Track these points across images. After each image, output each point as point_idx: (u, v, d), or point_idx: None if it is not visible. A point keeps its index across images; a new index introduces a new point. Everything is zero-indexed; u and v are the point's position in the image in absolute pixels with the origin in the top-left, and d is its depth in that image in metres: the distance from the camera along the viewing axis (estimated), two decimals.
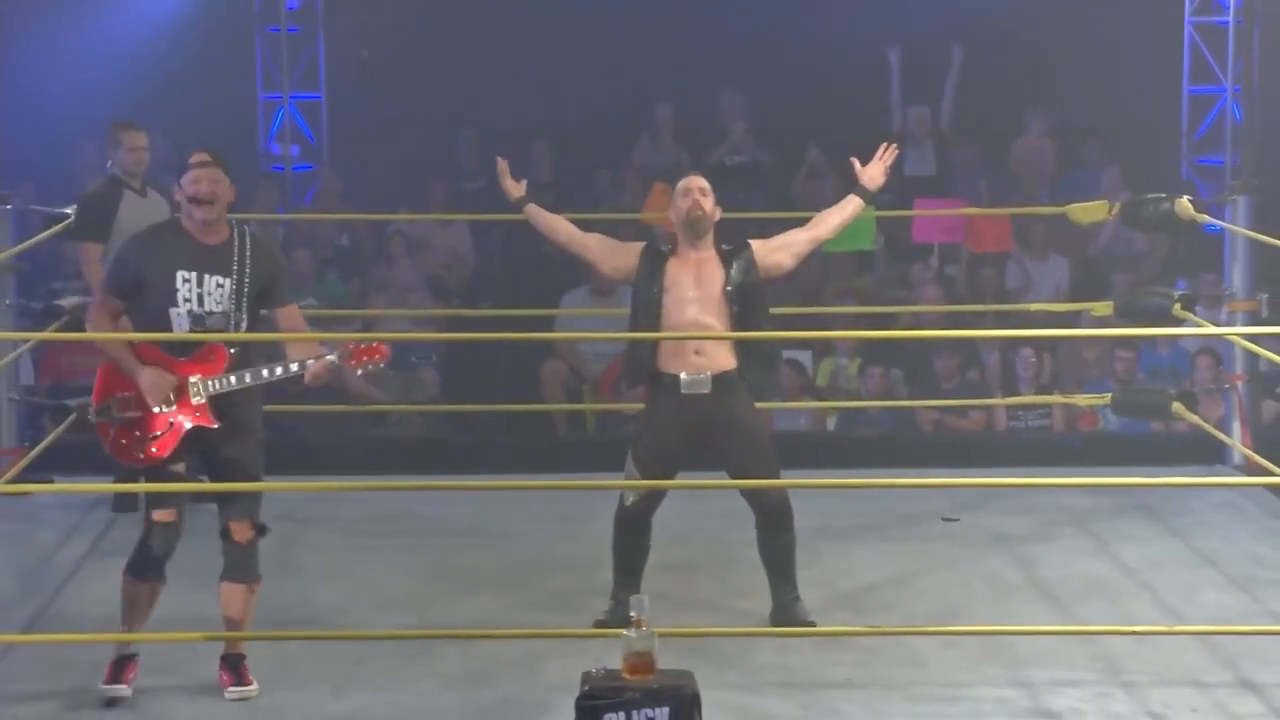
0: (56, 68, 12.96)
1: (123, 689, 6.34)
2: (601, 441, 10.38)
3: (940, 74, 13.14)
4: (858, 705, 6.33)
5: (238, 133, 13.43)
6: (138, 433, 6.25)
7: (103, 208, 8.71)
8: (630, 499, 7.08)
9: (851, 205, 7.33)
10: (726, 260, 7.09)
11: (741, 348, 7.03)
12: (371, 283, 12.30)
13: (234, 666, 6.43)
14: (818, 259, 12.10)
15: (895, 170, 12.47)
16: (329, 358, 6.29)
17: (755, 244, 7.17)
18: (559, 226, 7.36)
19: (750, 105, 13.29)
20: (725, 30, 13.64)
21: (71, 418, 9.21)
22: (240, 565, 6.39)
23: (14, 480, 8.46)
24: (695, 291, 7.02)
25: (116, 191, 8.75)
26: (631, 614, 5.55)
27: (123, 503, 8.72)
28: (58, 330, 9.00)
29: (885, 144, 7.44)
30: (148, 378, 6.21)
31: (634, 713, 5.41)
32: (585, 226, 7.46)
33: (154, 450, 6.25)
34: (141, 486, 8.55)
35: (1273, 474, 7.73)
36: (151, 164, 8.98)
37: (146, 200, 8.79)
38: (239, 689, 6.38)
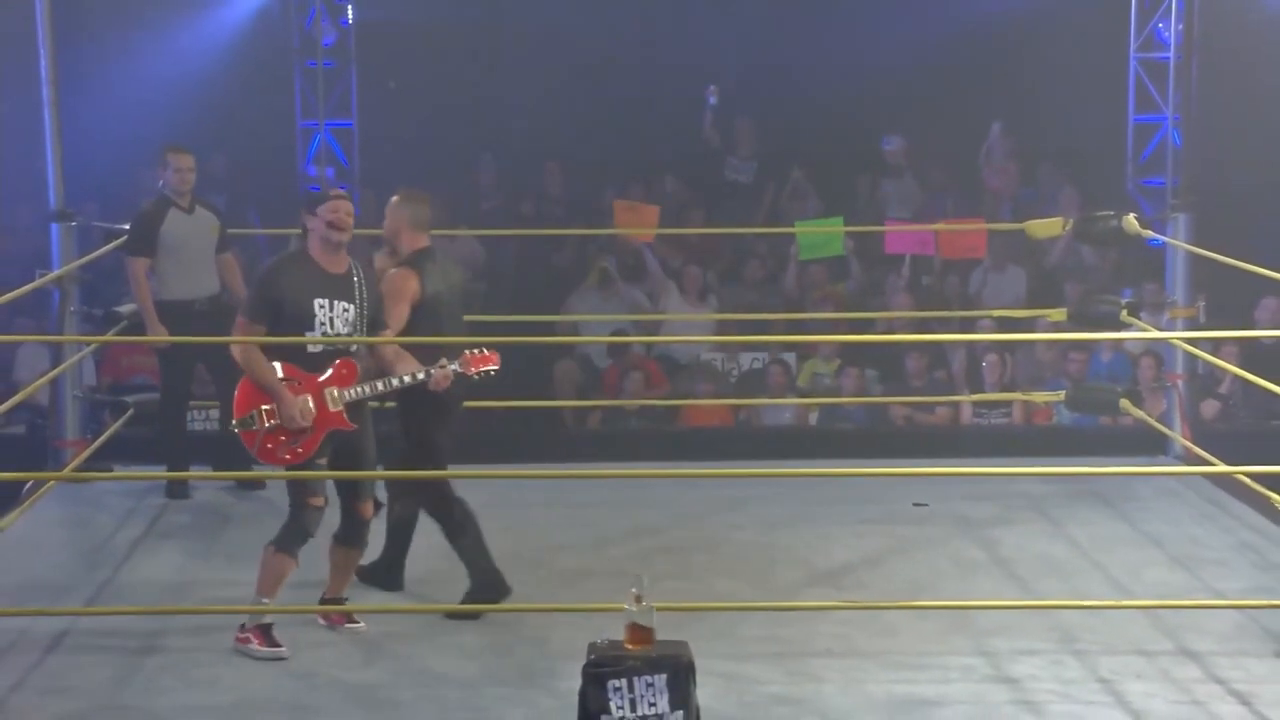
0: (117, 97, 12.95)
1: (283, 650, 6.45)
2: (605, 435, 10.39)
3: (914, 104, 13.16)
4: (837, 672, 6.33)
5: (278, 156, 13.46)
6: (282, 438, 6.43)
7: (149, 225, 8.70)
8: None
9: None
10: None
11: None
12: None
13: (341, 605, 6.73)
14: (798, 268, 12.07)
15: (879, 207, 12.49)
16: (451, 367, 6.60)
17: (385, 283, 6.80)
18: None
19: (744, 128, 13.26)
20: (722, 61, 13.63)
21: (130, 413, 9.21)
22: (357, 535, 6.73)
23: (78, 469, 8.50)
24: None
25: (163, 209, 8.73)
26: (633, 590, 5.53)
27: (175, 490, 8.71)
28: (117, 335, 8.99)
29: None
30: (289, 406, 6.37)
31: (635, 679, 5.40)
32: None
33: (299, 451, 6.45)
34: (188, 475, 8.61)
35: (1210, 464, 7.70)
36: (208, 183, 8.95)
37: (193, 217, 8.76)
38: (353, 625, 6.71)
